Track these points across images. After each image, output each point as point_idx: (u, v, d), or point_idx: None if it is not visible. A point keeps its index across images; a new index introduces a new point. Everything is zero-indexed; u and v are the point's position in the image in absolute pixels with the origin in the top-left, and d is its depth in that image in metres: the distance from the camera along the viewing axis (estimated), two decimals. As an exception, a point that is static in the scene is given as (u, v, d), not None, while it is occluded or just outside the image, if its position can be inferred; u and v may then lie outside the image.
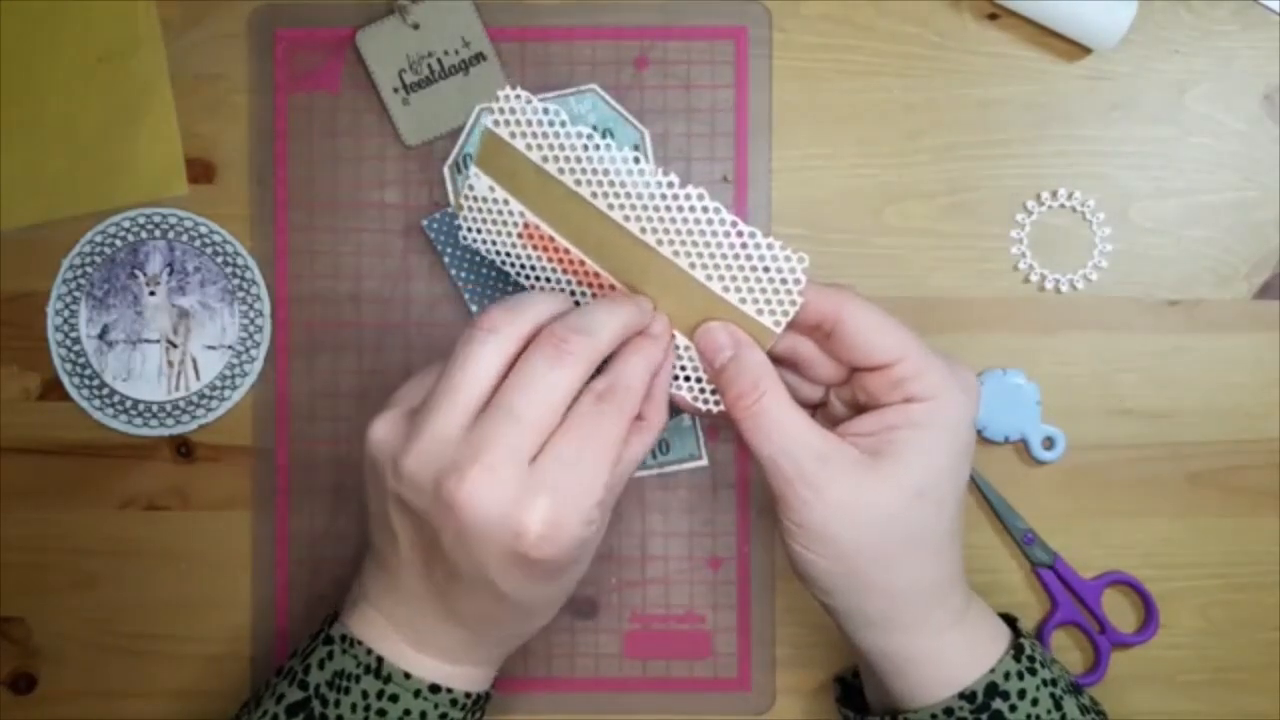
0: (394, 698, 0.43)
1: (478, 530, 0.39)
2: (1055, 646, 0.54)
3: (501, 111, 0.44)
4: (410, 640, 0.44)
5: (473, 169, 0.46)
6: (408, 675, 0.43)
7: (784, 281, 0.42)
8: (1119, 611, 0.54)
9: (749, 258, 0.42)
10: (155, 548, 0.54)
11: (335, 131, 0.54)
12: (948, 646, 0.44)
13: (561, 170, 0.44)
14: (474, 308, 0.54)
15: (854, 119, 0.54)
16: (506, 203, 0.46)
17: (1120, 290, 0.54)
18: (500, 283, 0.53)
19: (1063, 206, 0.54)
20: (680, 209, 0.42)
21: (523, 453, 0.39)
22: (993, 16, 0.54)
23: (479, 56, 0.53)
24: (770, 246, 0.41)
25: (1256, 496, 0.54)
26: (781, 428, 0.42)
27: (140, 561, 0.54)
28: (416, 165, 0.54)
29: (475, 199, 0.47)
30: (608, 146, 0.42)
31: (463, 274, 0.54)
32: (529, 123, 0.44)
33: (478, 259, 0.53)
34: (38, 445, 0.54)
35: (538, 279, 0.47)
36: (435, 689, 0.44)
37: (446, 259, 0.53)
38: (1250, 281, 0.54)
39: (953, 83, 0.54)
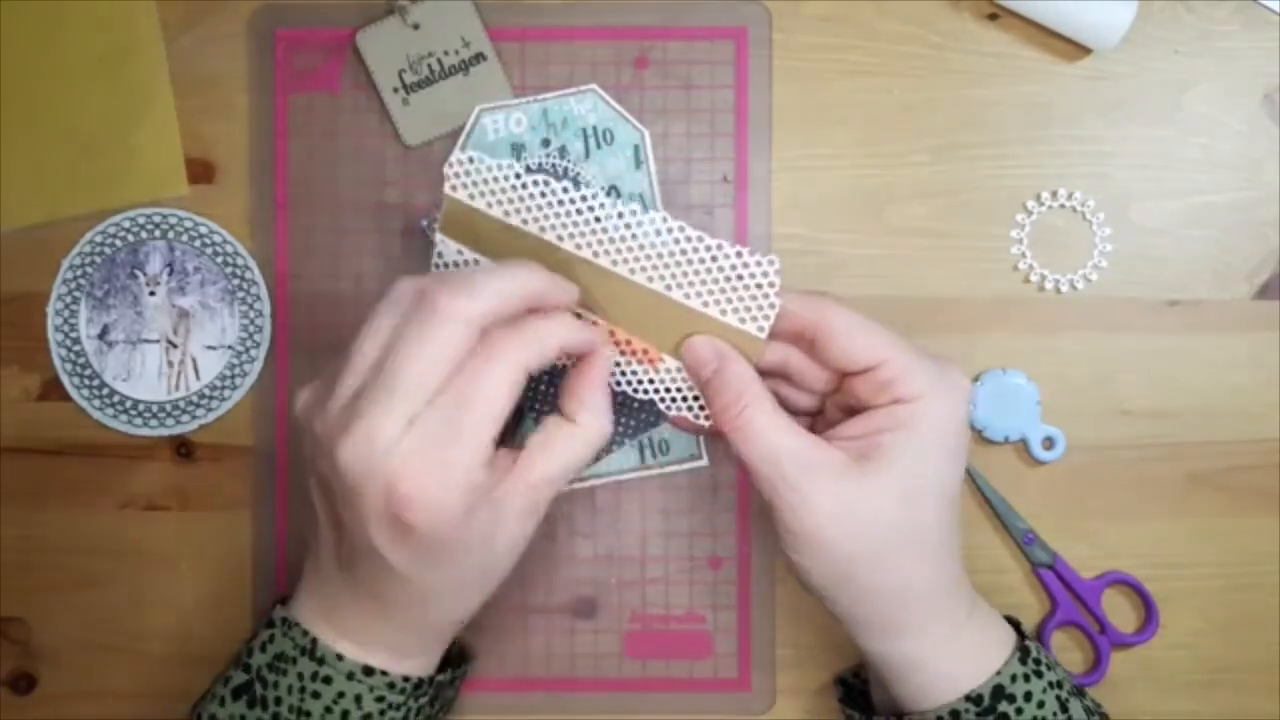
0: (327, 679, 0.43)
1: (355, 489, 0.39)
2: (1055, 647, 0.54)
3: (458, 175, 0.45)
4: (332, 624, 0.44)
5: (438, 236, 0.47)
6: (340, 656, 0.43)
7: (759, 286, 0.42)
8: (1119, 611, 0.54)
9: (720, 269, 0.42)
10: (155, 548, 0.54)
11: (335, 131, 0.54)
12: (950, 652, 0.44)
13: (525, 221, 0.44)
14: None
15: (854, 119, 0.54)
16: (477, 263, 0.46)
17: (1120, 290, 0.54)
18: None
19: (1063, 206, 0.54)
20: (646, 234, 0.42)
21: (400, 413, 0.38)
22: (993, 16, 0.54)
23: (479, 56, 0.53)
24: (740, 254, 0.42)
25: (1256, 496, 0.54)
26: (766, 436, 0.42)
27: (140, 561, 0.54)
28: (416, 165, 0.54)
29: (445, 265, 0.47)
30: (564, 189, 0.43)
31: (463, 274, 0.54)
32: (484, 181, 0.44)
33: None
34: (38, 445, 0.54)
35: None
36: (369, 671, 0.43)
37: (446, 259, 0.54)
38: (1250, 281, 0.54)
39: (953, 83, 0.54)
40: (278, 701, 0.43)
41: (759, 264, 0.42)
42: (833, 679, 0.52)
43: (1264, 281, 0.54)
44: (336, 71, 0.54)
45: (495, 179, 0.44)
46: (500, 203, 0.45)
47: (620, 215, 0.42)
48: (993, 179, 0.54)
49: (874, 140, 0.54)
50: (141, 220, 0.54)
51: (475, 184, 0.45)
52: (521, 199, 0.44)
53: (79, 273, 0.54)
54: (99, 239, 0.54)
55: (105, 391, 0.54)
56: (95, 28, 0.54)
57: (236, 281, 0.54)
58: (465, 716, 0.54)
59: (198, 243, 0.54)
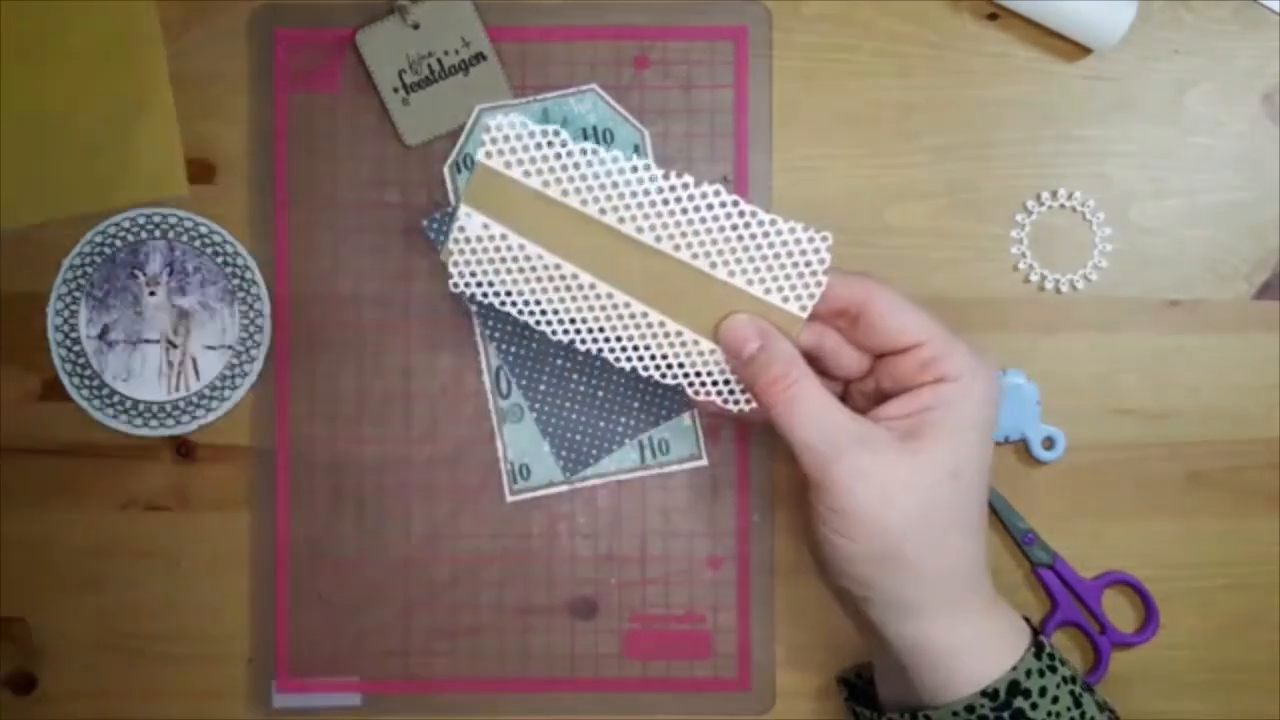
0: None
1: None
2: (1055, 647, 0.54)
3: (494, 141, 0.43)
4: None
5: (462, 209, 0.45)
6: None
7: (808, 264, 0.42)
8: (1119, 611, 0.54)
9: (770, 245, 0.42)
10: (155, 548, 0.54)
11: (335, 131, 0.54)
12: (980, 635, 0.44)
13: (565, 192, 0.43)
14: (474, 307, 0.54)
15: (854, 119, 0.54)
16: (504, 238, 0.44)
17: (1120, 290, 0.54)
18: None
19: (1063, 206, 0.54)
20: (696, 209, 0.42)
21: None
22: (993, 16, 0.54)
23: (479, 56, 0.53)
24: (793, 230, 0.42)
25: (1256, 496, 0.54)
26: (820, 411, 0.42)
27: (140, 561, 0.54)
28: (416, 165, 0.54)
29: (467, 240, 0.45)
30: (614, 159, 0.42)
31: (463, 274, 0.54)
32: (525, 149, 0.43)
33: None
34: (38, 445, 0.54)
35: (544, 313, 0.46)
36: None
37: (446, 259, 0.53)
38: (1250, 281, 0.54)
39: (953, 83, 0.54)
40: None
41: (811, 240, 0.41)
42: (834, 680, 0.52)
43: (1264, 281, 0.54)
44: (336, 71, 0.54)
45: (536, 145, 0.43)
46: (540, 171, 0.43)
47: (673, 188, 0.42)
48: (993, 179, 0.54)
49: (874, 140, 0.54)
50: (141, 220, 0.54)
51: (513, 150, 0.43)
52: (564, 167, 0.43)
53: (79, 273, 0.54)
54: (99, 239, 0.54)
55: (105, 391, 0.54)
56: (95, 28, 0.54)
57: (236, 281, 0.54)
58: (466, 717, 0.54)
59: (198, 243, 0.54)
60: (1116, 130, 0.54)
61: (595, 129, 0.54)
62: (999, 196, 0.54)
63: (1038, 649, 0.44)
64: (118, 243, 0.54)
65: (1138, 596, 0.54)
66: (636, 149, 0.54)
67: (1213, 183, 0.54)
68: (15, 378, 0.54)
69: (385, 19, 0.53)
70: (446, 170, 0.54)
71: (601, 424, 0.54)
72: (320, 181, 0.54)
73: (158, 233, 0.54)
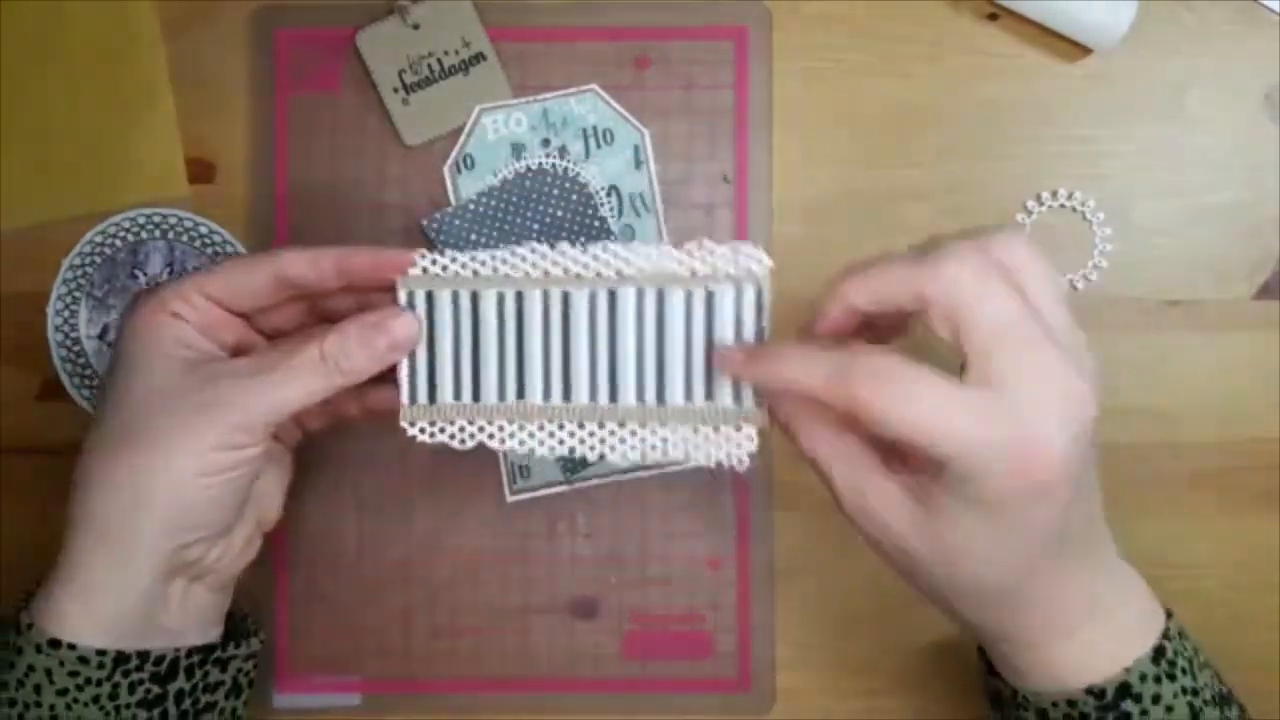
0: (19, 650, 0.42)
1: None
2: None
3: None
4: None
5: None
6: (30, 625, 0.41)
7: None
8: (1119, 611, 0.54)
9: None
10: (155, 548, 0.54)
11: (335, 131, 0.54)
12: (1093, 637, 0.40)
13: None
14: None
15: (854, 119, 0.54)
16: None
17: (1120, 290, 0.54)
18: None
19: (1063, 206, 0.54)
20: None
21: None
22: (993, 16, 0.54)
23: (479, 56, 0.53)
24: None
25: (1256, 496, 0.54)
26: (929, 385, 0.34)
27: (140, 561, 0.54)
28: (416, 165, 0.54)
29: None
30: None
31: (463, 274, 0.53)
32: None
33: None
34: (38, 445, 0.54)
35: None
36: (55, 644, 0.41)
37: (446, 259, 0.53)
38: (1250, 281, 0.54)
39: (953, 83, 0.54)
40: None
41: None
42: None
43: (1264, 281, 0.54)
44: (336, 71, 0.54)
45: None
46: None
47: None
48: (993, 179, 0.54)
49: (874, 140, 0.54)
50: (141, 220, 0.54)
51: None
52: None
53: (79, 273, 0.54)
54: (99, 239, 0.54)
55: (105, 391, 0.54)
56: (95, 28, 0.54)
57: (236, 281, 0.54)
58: (467, 716, 0.54)
59: (198, 243, 0.54)
60: (1116, 130, 0.54)
61: (595, 129, 0.54)
62: (999, 196, 0.54)
63: (1157, 653, 0.40)
64: (118, 243, 0.54)
65: (1138, 596, 0.54)
66: (636, 149, 0.54)
67: (1213, 183, 0.54)
68: (15, 378, 0.54)
69: (385, 19, 0.53)
70: (446, 170, 0.54)
71: (601, 424, 0.54)
72: (320, 181, 0.54)
73: (158, 233, 0.54)
